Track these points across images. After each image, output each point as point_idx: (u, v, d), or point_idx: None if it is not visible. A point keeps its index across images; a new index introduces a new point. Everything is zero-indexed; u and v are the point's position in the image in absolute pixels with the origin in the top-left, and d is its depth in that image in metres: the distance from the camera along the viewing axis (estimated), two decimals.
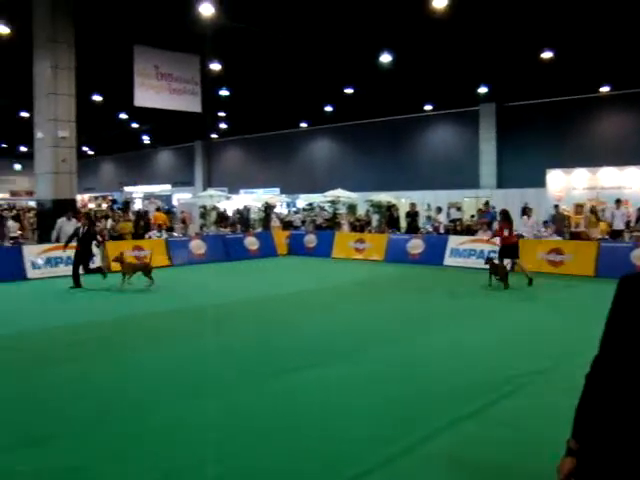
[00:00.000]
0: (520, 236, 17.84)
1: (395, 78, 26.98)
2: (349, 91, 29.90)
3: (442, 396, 6.72)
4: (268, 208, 30.72)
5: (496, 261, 15.41)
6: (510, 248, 15.64)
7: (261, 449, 5.37)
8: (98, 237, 16.48)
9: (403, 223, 24.67)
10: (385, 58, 22.83)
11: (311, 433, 5.74)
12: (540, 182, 29.16)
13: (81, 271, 15.25)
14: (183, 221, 27.64)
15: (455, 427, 5.83)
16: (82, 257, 15.28)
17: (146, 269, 15.13)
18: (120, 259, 15.00)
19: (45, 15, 19.33)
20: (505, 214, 16.01)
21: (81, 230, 15.39)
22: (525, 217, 20.21)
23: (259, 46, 23.18)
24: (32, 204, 35.37)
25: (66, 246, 15.50)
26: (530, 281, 15.06)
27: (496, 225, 18.61)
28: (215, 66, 24.30)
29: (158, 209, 28.05)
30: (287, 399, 6.70)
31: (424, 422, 5.95)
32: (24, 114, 34.04)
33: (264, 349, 8.95)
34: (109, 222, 21.08)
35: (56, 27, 19.27)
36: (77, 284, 15.03)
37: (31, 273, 16.88)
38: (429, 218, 25.69)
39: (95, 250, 16.50)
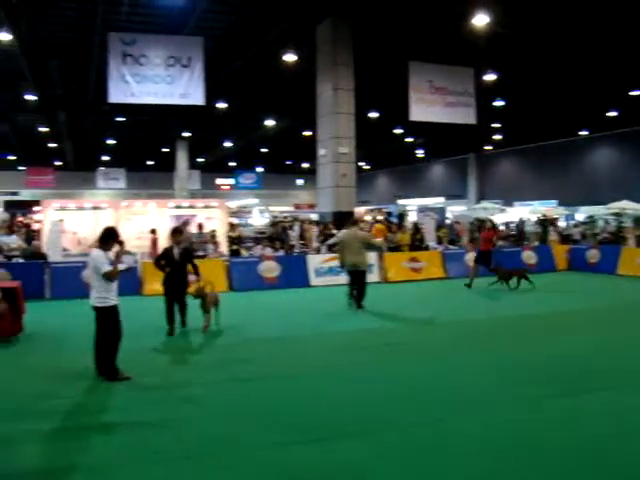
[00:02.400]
0: None
1: None
2: (636, 93, 27.66)
3: None
4: (545, 221, 29.49)
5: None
6: (488, 254, 17.19)
7: (533, 472, 5.14)
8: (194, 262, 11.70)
9: None
10: None
11: (588, 462, 5.34)
12: None
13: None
14: (457, 234, 27.52)
15: None
16: (178, 290, 11.25)
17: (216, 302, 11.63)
18: (202, 293, 11.24)
19: (327, 41, 20.56)
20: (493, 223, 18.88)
21: (175, 250, 11.30)
22: None
23: (535, 53, 22.47)
24: (313, 216, 37.68)
25: (162, 269, 11.40)
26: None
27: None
28: (490, 77, 23.94)
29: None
30: (565, 421, 6.32)
31: None
32: (306, 133, 36.54)
33: (546, 365, 8.53)
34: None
35: (337, 51, 20.41)
36: (171, 330, 11.08)
37: (314, 281, 17.86)
38: None
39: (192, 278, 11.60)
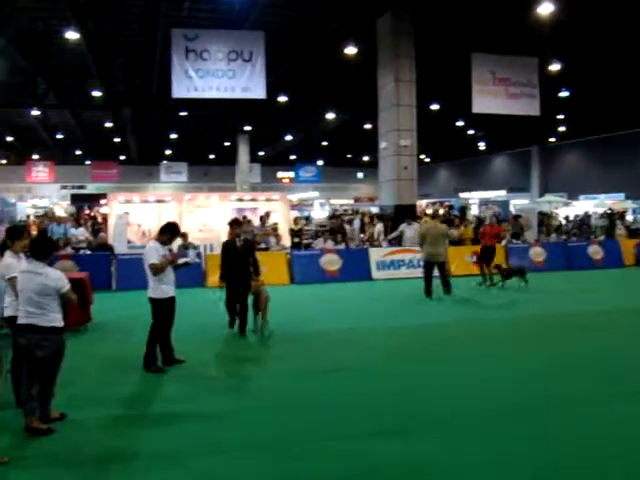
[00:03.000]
0: None
1: None
2: None
3: None
4: (613, 214, 28.71)
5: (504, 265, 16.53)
6: (492, 250, 16.37)
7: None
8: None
9: None
10: None
11: None
12: None
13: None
14: (521, 228, 26.94)
15: None
16: (240, 287, 10.40)
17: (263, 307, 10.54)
18: (258, 290, 10.45)
19: (388, 33, 20.40)
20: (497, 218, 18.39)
21: (237, 243, 10.54)
22: None
23: (602, 40, 21.80)
24: (373, 209, 37.54)
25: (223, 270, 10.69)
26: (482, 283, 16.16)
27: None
28: (554, 66, 23.36)
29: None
30: None
31: None
32: (367, 126, 36.40)
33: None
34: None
35: (398, 43, 20.22)
36: (232, 322, 10.72)
37: (375, 274, 17.82)
38: None
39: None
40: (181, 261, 8.77)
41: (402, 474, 5.14)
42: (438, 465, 5.27)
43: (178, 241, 8.55)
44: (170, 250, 8.54)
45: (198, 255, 16.32)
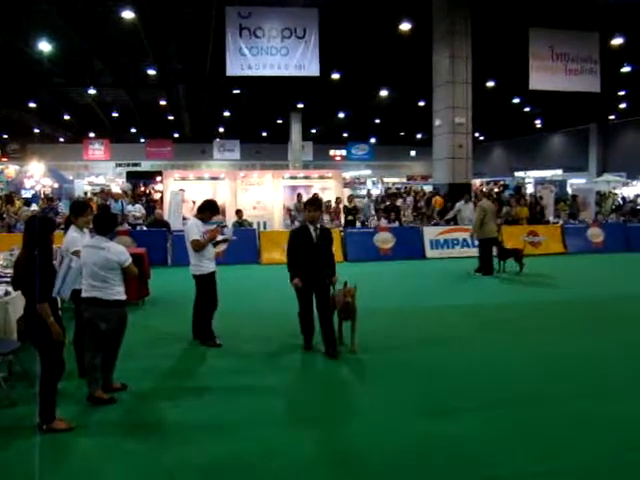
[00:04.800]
0: None
1: None
2: None
3: None
4: None
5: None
6: None
7: None
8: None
9: None
10: None
11: None
12: None
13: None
14: (577, 208, 26.38)
15: None
16: (318, 289, 8.01)
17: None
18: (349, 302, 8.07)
19: (443, 8, 20.11)
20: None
21: (312, 230, 8.03)
22: None
23: None
24: (426, 188, 37.20)
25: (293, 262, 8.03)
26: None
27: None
28: (616, 41, 22.64)
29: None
30: None
31: None
32: (421, 103, 36.01)
33: None
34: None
35: (453, 19, 19.94)
36: (308, 343, 8.24)
37: (429, 253, 17.74)
38: None
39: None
40: (220, 238, 8.87)
41: (445, 454, 5.11)
42: (483, 445, 5.26)
43: (216, 218, 8.66)
44: (224, 226, 8.63)
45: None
